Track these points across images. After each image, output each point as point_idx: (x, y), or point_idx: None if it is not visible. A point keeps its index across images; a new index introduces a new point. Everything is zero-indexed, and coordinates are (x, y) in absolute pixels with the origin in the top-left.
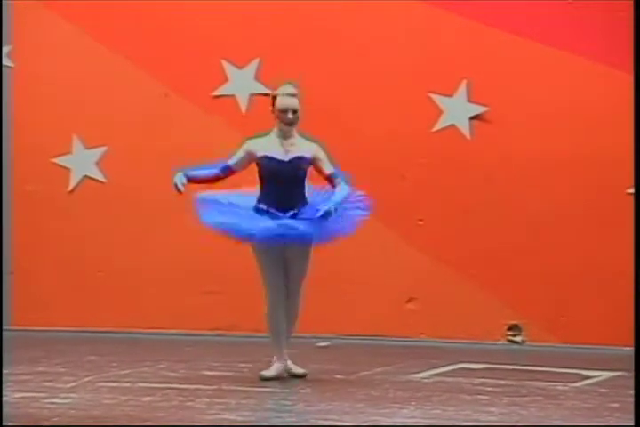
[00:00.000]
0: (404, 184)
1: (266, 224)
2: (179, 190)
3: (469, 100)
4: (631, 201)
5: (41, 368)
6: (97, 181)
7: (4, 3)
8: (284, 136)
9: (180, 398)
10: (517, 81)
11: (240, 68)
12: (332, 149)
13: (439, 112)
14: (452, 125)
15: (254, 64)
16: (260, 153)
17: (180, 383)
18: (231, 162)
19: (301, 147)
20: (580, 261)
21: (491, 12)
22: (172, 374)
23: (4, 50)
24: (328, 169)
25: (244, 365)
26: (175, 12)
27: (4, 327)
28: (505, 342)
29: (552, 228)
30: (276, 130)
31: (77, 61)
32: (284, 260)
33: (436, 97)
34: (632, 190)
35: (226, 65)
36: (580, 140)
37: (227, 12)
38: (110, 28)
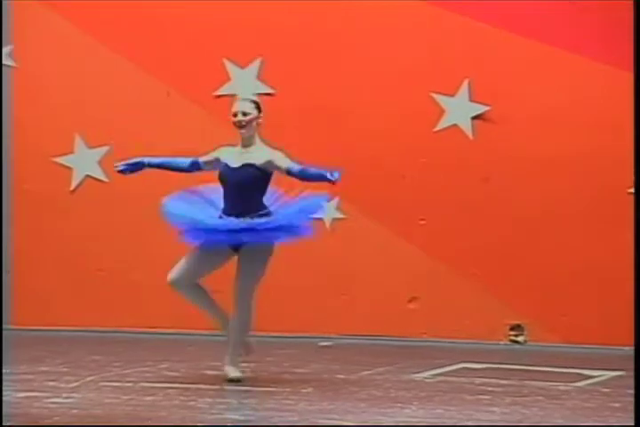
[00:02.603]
0: (406, 184)
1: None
2: (121, 171)
3: (471, 100)
4: (632, 200)
5: (43, 368)
6: (99, 180)
7: (4, 3)
8: (244, 144)
9: (182, 398)
10: (520, 80)
11: (242, 67)
12: (334, 149)
13: (441, 112)
14: (455, 125)
15: (256, 64)
16: (222, 158)
17: (182, 383)
18: (201, 159)
19: (256, 154)
20: (581, 261)
21: (493, 11)
22: (174, 373)
23: (6, 50)
24: (285, 164)
25: (245, 364)
26: (177, 11)
27: (4, 327)
28: (507, 342)
29: (554, 227)
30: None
31: (79, 61)
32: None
33: (437, 97)
34: (633, 190)
35: (228, 64)
36: (581, 140)
37: (229, 12)
38: (112, 28)
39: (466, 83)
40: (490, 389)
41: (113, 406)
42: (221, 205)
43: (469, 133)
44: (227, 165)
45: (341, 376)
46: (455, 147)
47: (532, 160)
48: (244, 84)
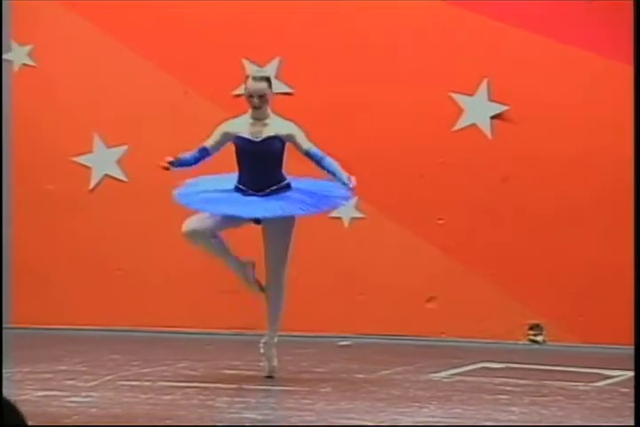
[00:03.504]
0: (425, 183)
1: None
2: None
3: (490, 100)
4: None
5: (62, 367)
6: (118, 179)
7: (3, 3)
8: (258, 117)
9: (201, 397)
10: (538, 80)
11: (261, 66)
12: (353, 148)
13: (460, 111)
14: (473, 125)
15: (275, 63)
16: (235, 133)
17: (201, 382)
18: (207, 144)
19: (275, 126)
20: (599, 261)
21: (511, 11)
22: (193, 372)
23: (24, 49)
24: (305, 144)
25: (262, 364)
26: (195, 11)
27: (5, 326)
28: (526, 342)
29: (572, 227)
30: (250, 111)
31: (98, 60)
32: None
33: (456, 96)
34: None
35: (246, 64)
36: (600, 140)
37: (248, 11)
38: (131, 28)
39: (485, 82)
40: (509, 389)
41: (131, 405)
42: (227, 184)
43: (488, 133)
44: (245, 138)
45: (360, 376)
46: (474, 146)
47: (551, 160)
48: None
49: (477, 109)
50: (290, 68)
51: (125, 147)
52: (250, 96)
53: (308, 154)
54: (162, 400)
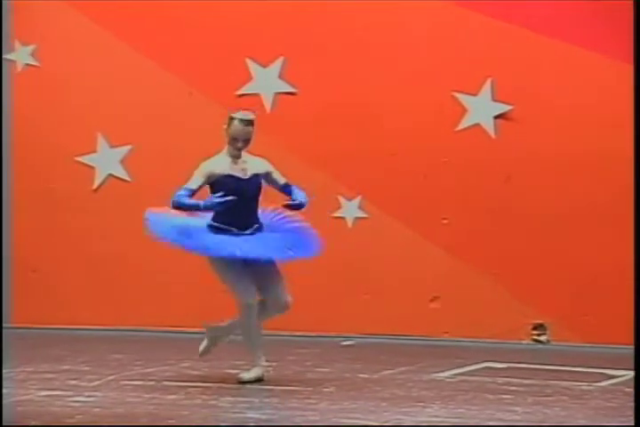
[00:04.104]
0: (428, 183)
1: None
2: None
3: (494, 99)
4: None
5: (65, 367)
6: (121, 179)
7: (4, 3)
8: (236, 156)
9: (204, 397)
10: (542, 80)
11: (265, 66)
12: (355, 148)
13: (463, 111)
14: (477, 124)
15: (279, 63)
16: (220, 172)
17: (204, 382)
18: (193, 187)
19: (253, 164)
20: (603, 260)
21: (515, 10)
22: (196, 372)
23: (27, 49)
24: (282, 180)
25: (266, 363)
26: (199, 11)
27: (5, 325)
28: (529, 342)
29: (576, 227)
30: (226, 150)
31: (102, 60)
32: (252, 272)
33: (460, 96)
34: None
35: (250, 64)
36: (604, 139)
37: (251, 11)
38: (135, 28)
39: (488, 82)
40: (512, 388)
41: (135, 404)
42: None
43: (492, 133)
44: (233, 176)
45: (363, 376)
46: (477, 146)
47: (555, 159)
48: (266, 83)
49: (481, 109)
50: (293, 68)
51: (129, 147)
52: (234, 139)
53: (286, 187)
54: (165, 400)
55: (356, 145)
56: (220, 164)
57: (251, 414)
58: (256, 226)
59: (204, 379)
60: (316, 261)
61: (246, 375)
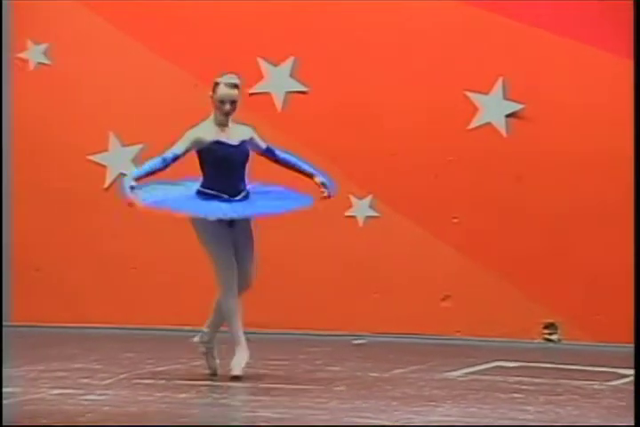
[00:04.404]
0: (439, 182)
1: (218, 206)
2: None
3: (506, 98)
4: None
5: (77, 365)
6: None
7: (4, 3)
8: (223, 123)
9: (215, 396)
10: (554, 79)
11: (276, 65)
12: (367, 147)
13: (475, 110)
14: (489, 123)
15: (290, 61)
16: (209, 139)
17: (215, 380)
18: (179, 151)
19: (240, 131)
20: (614, 259)
21: (526, 10)
22: (207, 371)
23: (40, 48)
24: (263, 144)
25: (277, 362)
26: (211, 9)
27: (4, 324)
28: (540, 341)
29: (588, 226)
30: (213, 118)
31: (114, 59)
32: (234, 243)
33: (472, 95)
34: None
35: (262, 62)
36: (616, 138)
37: (263, 10)
38: (147, 26)
39: (500, 81)
40: (524, 387)
41: (146, 403)
42: (181, 189)
43: (503, 132)
44: (223, 143)
45: (374, 374)
46: (489, 145)
47: (566, 158)
48: (277, 82)
49: (493, 108)
50: (305, 67)
51: (140, 145)
52: (221, 102)
53: (268, 150)
54: (176, 399)
55: (368, 144)
56: (208, 130)
57: (261, 413)
58: (244, 193)
59: (215, 378)
60: (327, 259)
61: (237, 368)
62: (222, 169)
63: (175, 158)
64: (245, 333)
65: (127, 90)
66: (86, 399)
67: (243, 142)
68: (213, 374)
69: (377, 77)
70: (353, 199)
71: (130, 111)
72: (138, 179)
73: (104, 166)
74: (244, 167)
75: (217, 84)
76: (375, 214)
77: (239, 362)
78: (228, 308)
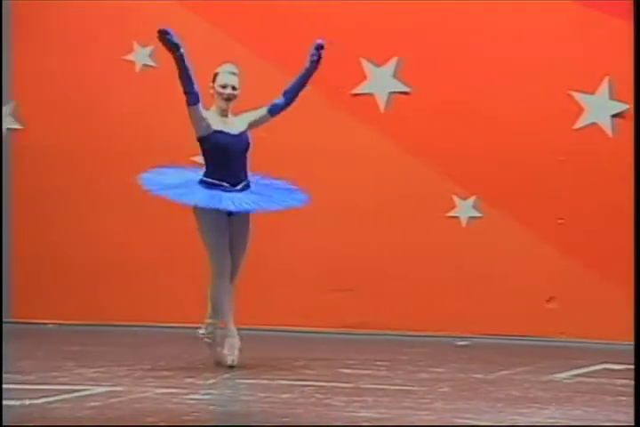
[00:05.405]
0: (545, 182)
1: (219, 197)
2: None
3: (611, 98)
4: None
5: (182, 364)
6: None
7: (3, 3)
8: (224, 113)
9: (318, 396)
10: None
11: (379, 66)
12: (472, 148)
13: (580, 110)
14: (594, 123)
15: (393, 62)
16: (213, 127)
17: (318, 381)
18: (201, 104)
19: (238, 121)
20: None
21: (629, 7)
22: (310, 371)
23: (147, 50)
24: (262, 110)
25: (380, 363)
26: (316, 10)
27: (5, 321)
28: None
29: None
30: (214, 108)
31: (217, 60)
32: (229, 232)
33: (577, 95)
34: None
35: (365, 63)
36: None
37: (366, 11)
38: (249, 28)
39: (606, 81)
40: (630, 390)
41: (249, 402)
42: (190, 176)
43: (609, 132)
44: (226, 132)
45: (478, 376)
46: (595, 145)
47: None
48: (380, 82)
49: (598, 108)
50: (408, 68)
51: None
52: (223, 87)
53: (276, 107)
54: (279, 398)
55: (471, 144)
56: (213, 118)
57: (364, 413)
58: (245, 183)
59: (317, 378)
60: (430, 260)
61: (229, 358)
62: (223, 158)
63: (197, 95)
64: (340, 333)
65: None
66: (191, 398)
67: (243, 132)
68: (219, 364)
69: (480, 78)
70: (456, 200)
71: None
72: (181, 58)
73: None
74: (244, 157)
75: (216, 73)
76: (478, 215)
77: (232, 351)
78: (217, 292)
